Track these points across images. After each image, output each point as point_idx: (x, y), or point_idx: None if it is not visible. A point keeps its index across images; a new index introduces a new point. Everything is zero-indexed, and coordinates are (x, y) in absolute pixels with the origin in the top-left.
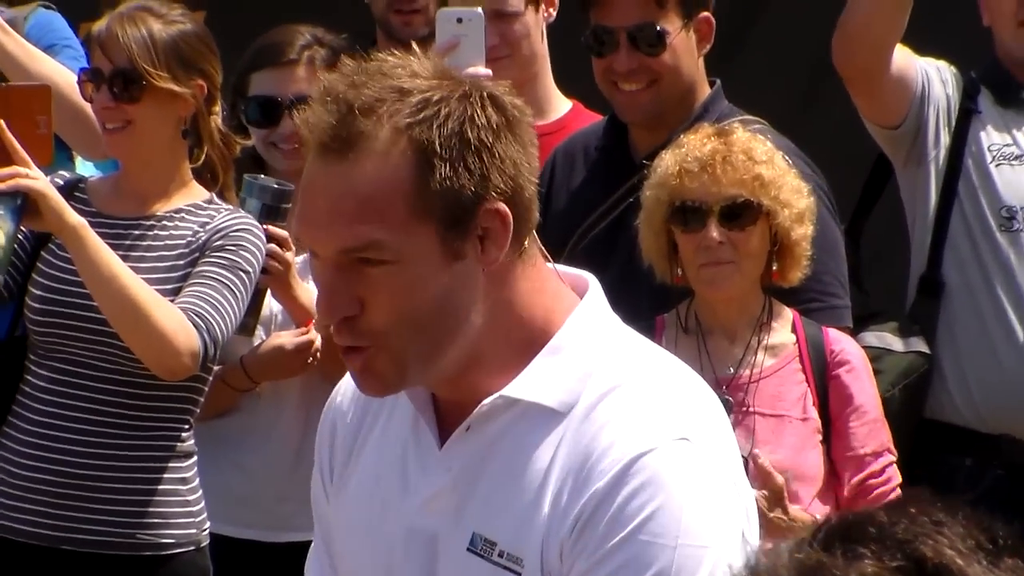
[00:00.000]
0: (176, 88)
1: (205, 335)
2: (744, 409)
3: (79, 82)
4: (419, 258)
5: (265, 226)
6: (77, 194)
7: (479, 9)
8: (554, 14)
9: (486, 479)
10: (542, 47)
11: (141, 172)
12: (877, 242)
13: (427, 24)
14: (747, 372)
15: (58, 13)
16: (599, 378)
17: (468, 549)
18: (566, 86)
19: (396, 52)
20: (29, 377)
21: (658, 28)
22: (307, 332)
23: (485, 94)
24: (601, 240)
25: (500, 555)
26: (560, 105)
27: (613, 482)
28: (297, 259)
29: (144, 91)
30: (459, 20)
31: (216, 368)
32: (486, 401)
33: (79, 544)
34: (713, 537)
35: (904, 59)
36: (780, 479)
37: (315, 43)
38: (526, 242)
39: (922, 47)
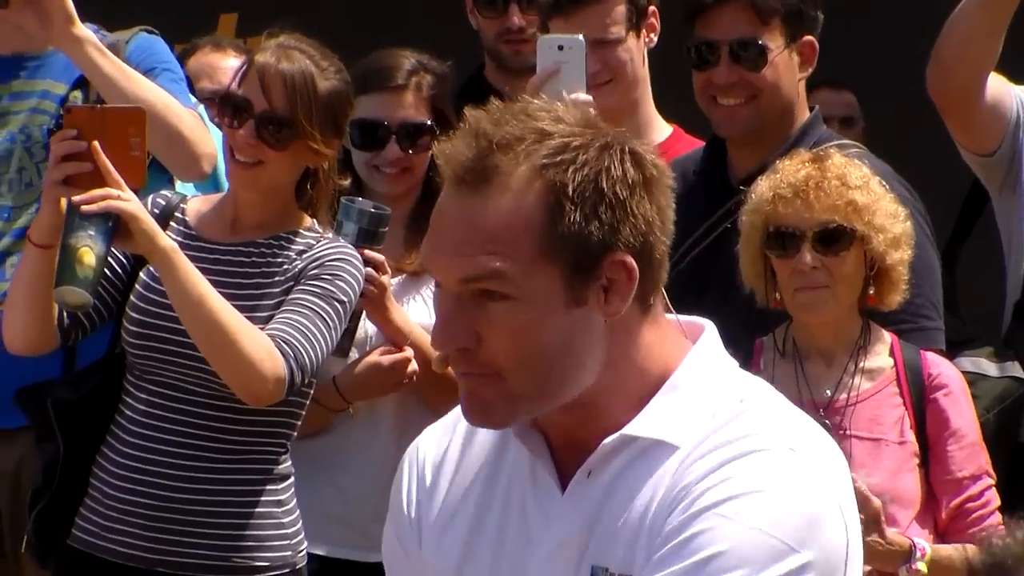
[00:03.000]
0: (322, 149)
1: (292, 362)
2: (841, 432)
3: (220, 103)
4: (540, 298)
5: (362, 249)
6: (177, 214)
7: (580, 36)
8: (655, 39)
9: (605, 516)
10: (643, 72)
11: (249, 202)
12: (973, 268)
13: (535, 53)
14: (844, 395)
15: (159, 38)
16: (717, 412)
17: None
18: (667, 110)
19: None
20: (127, 398)
21: (760, 43)
22: (403, 351)
23: (626, 148)
24: (700, 263)
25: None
26: (661, 130)
27: (706, 472)
28: (392, 281)
29: (292, 142)
30: (560, 47)
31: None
32: (607, 441)
33: (174, 567)
34: (799, 541)
35: (998, 86)
36: (877, 503)
37: (421, 69)
38: (652, 298)
39: (1017, 74)
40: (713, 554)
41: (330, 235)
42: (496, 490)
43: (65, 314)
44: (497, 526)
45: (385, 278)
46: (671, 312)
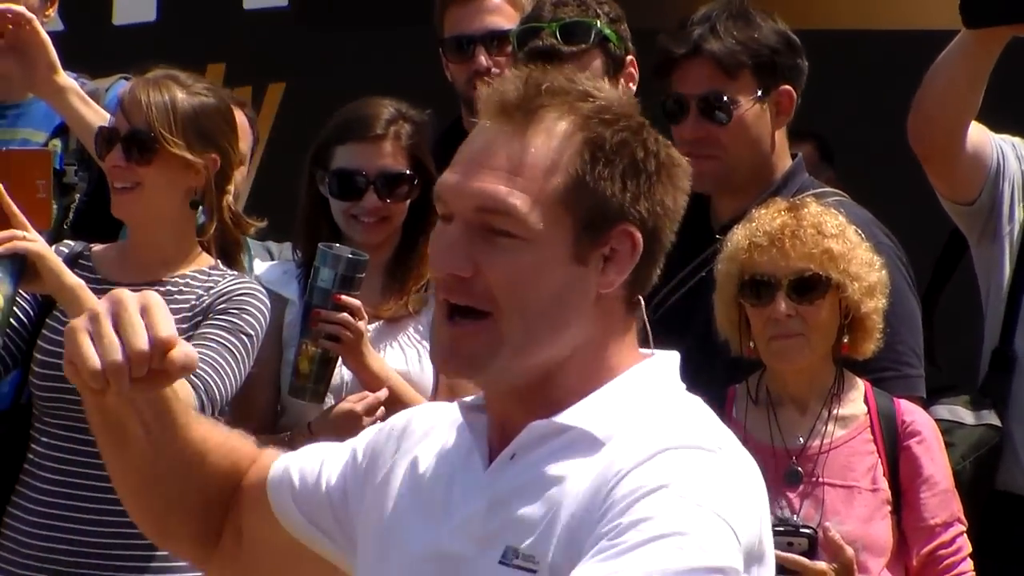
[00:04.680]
0: (189, 157)
1: (203, 395)
2: (813, 480)
3: (95, 139)
4: (547, 244)
5: (338, 295)
6: (82, 261)
7: None
8: (634, 88)
9: (523, 499)
10: None
11: (146, 237)
12: (950, 316)
13: None
14: (817, 443)
15: None
16: (651, 417)
17: (500, 562)
18: None
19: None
20: (35, 446)
21: (726, 98)
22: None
23: (660, 137)
24: (678, 309)
25: (517, 556)
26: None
27: (638, 462)
28: (369, 328)
29: (157, 155)
30: None
31: (284, 435)
32: (535, 423)
33: None
34: (735, 522)
35: (979, 135)
36: (850, 551)
37: (400, 118)
38: (636, 298)
39: (997, 124)
40: (665, 531)
41: (235, 272)
42: (430, 469)
43: None
44: (425, 500)
45: (361, 324)
46: (649, 341)
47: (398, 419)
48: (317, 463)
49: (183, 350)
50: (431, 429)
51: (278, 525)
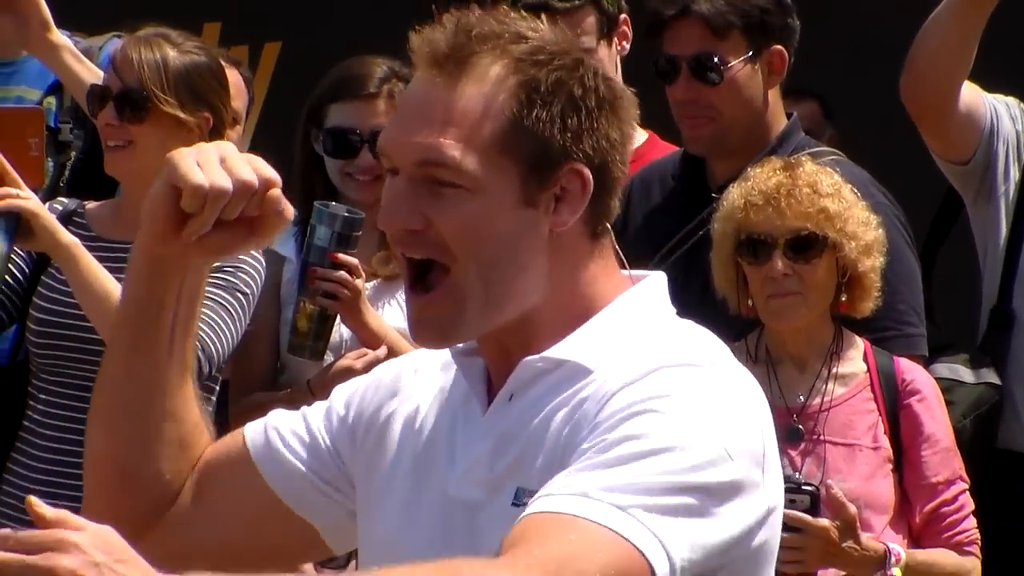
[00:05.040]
0: (181, 115)
1: (200, 353)
2: (815, 438)
3: (87, 97)
4: (493, 191)
5: (335, 253)
6: (76, 219)
7: None
8: (627, 47)
9: (523, 438)
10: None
11: (140, 195)
12: (948, 275)
13: None
14: (817, 401)
15: None
16: (641, 341)
17: (512, 504)
18: (641, 116)
19: (523, 13)
20: (33, 402)
21: (715, 59)
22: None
23: (600, 69)
24: (677, 269)
25: (530, 495)
26: (636, 136)
27: (625, 382)
28: (367, 285)
29: (149, 113)
30: None
31: (284, 392)
32: (527, 360)
33: None
34: (730, 437)
35: (972, 95)
36: (853, 509)
37: (393, 76)
38: (600, 227)
39: (991, 83)
40: (654, 447)
41: None
42: (429, 424)
43: None
44: (429, 453)
45: (359, 282)
46: (624, 266)
47: (385, 371)
48: (299, 421)
49: (283, 198)
50: (424, 377)
51: (253, 492)
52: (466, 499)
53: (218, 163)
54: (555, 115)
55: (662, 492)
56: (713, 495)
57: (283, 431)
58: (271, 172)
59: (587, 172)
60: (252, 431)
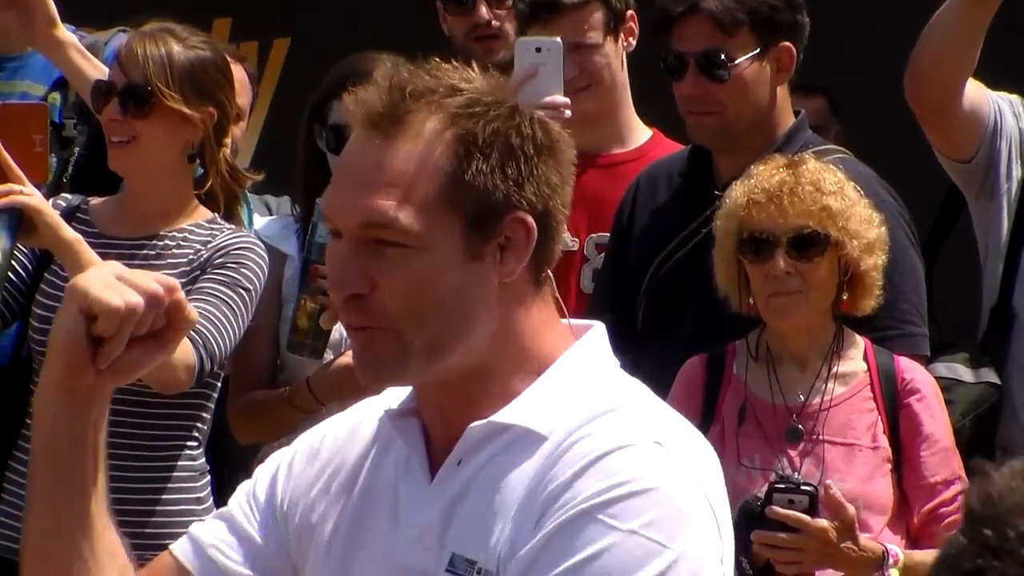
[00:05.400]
0: (186, 111)
1: (202, 350)
2: (814, 438)
3: (91, 92)
4: (438, 248)
5: None
6: (79, 215)
7: (558, 39)
8: (634, 43)
9: (467, 504)
10: (622, 76)
11: (143, 191)
12: (949, 273)
13: (507, 50)
14: (817, 400)
15: None
16: (588, 404)
17: (447, 570)
18: (646, 114)
19: (456, 64)
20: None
21: (723, 55)
22: None
23: (535, 115)
24: (682, 266)
25: (478, 572)
26: (641, 133)
27: (579, 472)
28: None
29: (153, 108)
30: (538, 49)
31: (283, 390)
32: (474, 425)
33: None
34: (670, 538)
35: (976, 93)
36: (851, 509)
37: None
38: (543, 274)
39: (994, 81)
40: (590, 556)
41: (232, 226)
42: (373, 489)
43: None
44: (371, 519)
45: None
46: (564, 313)
47: (309, 439)
48: (224, 528)
49: (186, 302)
50: (354, 442)
51: None
52: (416, 567)
53: (118, 282)
54: (494, 166)
55: None
56: None
57: (219, 546)
58: (170, 279)
59: (530, 220)
60: (185, 553)
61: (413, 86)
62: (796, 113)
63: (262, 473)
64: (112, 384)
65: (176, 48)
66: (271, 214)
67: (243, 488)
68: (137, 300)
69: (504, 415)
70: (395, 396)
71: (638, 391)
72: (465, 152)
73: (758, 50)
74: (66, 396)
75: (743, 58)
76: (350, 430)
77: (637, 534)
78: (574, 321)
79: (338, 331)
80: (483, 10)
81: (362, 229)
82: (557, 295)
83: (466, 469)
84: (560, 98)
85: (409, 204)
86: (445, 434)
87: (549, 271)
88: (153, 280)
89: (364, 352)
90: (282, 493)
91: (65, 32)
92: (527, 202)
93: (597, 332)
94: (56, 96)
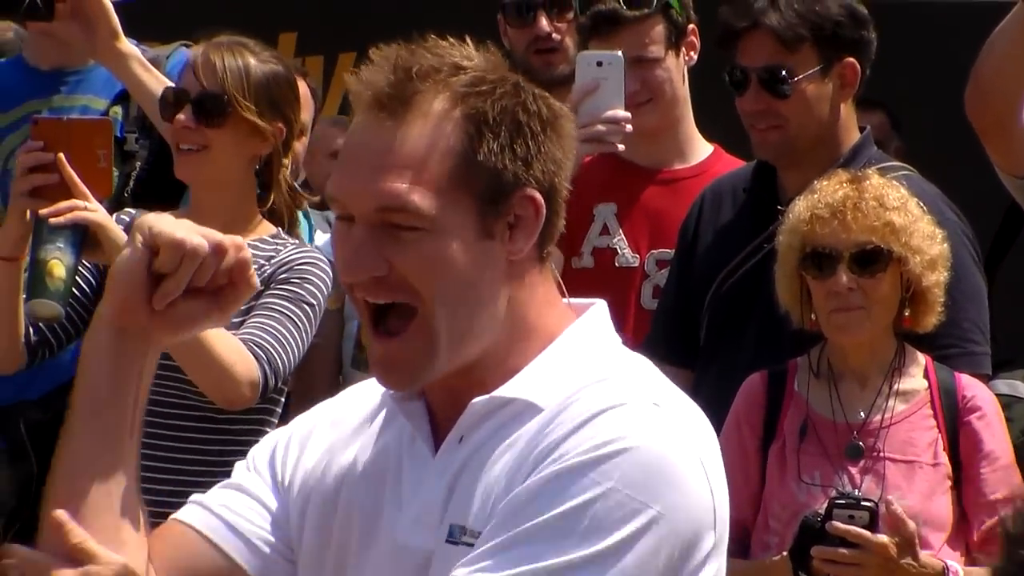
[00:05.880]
0: (260, 123)
1: (266, 365)
2: (875, 454)
3: (160, 100)
4: (453, 229)
5: None
6: None
7: (619, 52)
8: (695, 58)
9: (466, 476)
10: (683, 91)
11: (209, 202)
12: (1009, 291)
13: (567, 63)
14: (878, 417)
15: None
16: (586, 373)
17: (447, 541)
18: (708, 129)
19: (450, 40)
20: None
21: (784, 71)
22: None
23: (535, 89)
24: (746, 282)
25: (465, 533)
26: (702, 148)
27: (573, 429)
28: None
29: (228, 118)
30: (599, 63)
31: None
32: (476, 401)
33: None
34: (658, 500)
35: None
36: (912, 525)
37: None
38: (547, 251)
39: None
40: (574, 507)
41: (296, 241)
42: (372, 469)
43: (32, 332)
44: (374, 497)
45: None
46: (563, 293)
47: (298, 427)
48: (243, 496)
49: (251, 266)
50: (345, 428)
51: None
52: (418, 546)
53: (185, 225)
54: (504, 144)
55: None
56: None
57: (236, 509)
58: (237, 238)
59: (539, 197)
60: (202, 522)
61: (418, 65)
62: (861, 129)
63: (259, 451)
64: (164, 335)
65: (252, 61)
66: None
67: (241, 466)
68: (201, 242)
69: (505, 390)
70: None
71: (637, 362)
72: (476, 131)
73: (821, 66)
74: (117, 335)
75: (805, 74)
76: (349, 411)
77: (620, 491)
78: (574, 300)
79: None
80: (544, 23)
81: (377, 212)
82: (557, 277)
83: (467, 444)
84: (621, 112)
85: (422, 186)
86: (451, 413)
87: (552, 246)
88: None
89: (390, 359)
90: (282, 469)
91: (127, 45)
92: (535, 179)
93: (599, 309)
94: (118, 110)
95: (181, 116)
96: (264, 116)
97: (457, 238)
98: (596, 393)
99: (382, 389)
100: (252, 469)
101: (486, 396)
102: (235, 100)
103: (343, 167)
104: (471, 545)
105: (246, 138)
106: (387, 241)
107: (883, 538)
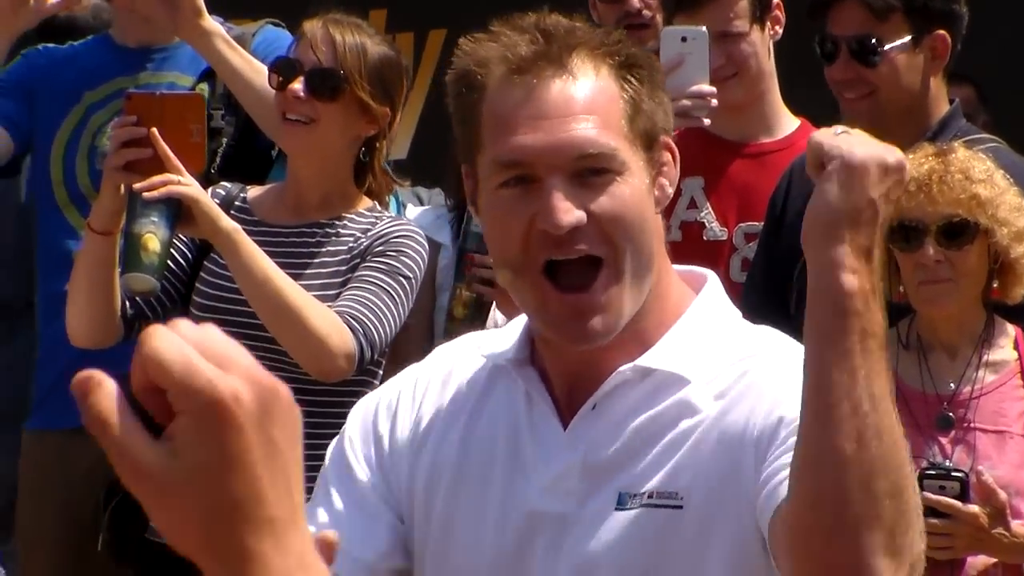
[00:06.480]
0: (372, 104)
1: (362, 338)
2: (965, 425)
3: (270, 68)
4: (636, 172)
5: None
6: (238, 204)
7: (703, 28)
8: (780, 32)
9: (622, 446)
10: (769, 65)
11: (308, 175)
12: None
13: (656, 40)
14: (968, 388)
15: (286, 31)
16: (729, 351)
17: (617, 508)
18: (795, 103)
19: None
20: None
21: (874, 41)
22: None
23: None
24: None
25: (651, 496)
26: (788, 123)
27: (778, 390)
28: None
29: (341, 95)
30: (683, 39)
31: None
32: (622, 368)
33: None
34: None
35: None
36: (1003, 495)
37: None
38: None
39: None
40: None
41: (392, 214)
42: (484, 439)
43: (128, 305)
44: (494, 468)
45: None
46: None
47: (387, 392)
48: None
49: None
50: (449, 388)
51: None
52: (555, 511)
53: None
54: (649, 91)
55: None
56: None
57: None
58: None
59: (672, 144)
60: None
61: (556, 27)
62: (951, 102)
63: (353, 429)
64: None
65: (368, 42)
66: (423, 205)
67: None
68: None
69: (649, 359)
70: (486, 345)
71: (770, 333)
72: (633, 76)
73: (911, 37)
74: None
75: (895, 43)
76: (441, 382)
77: None
78: (677, 266)
79: (492, 320)
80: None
81: (576, 161)
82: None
83: (604, 413)
84: (706, 87)
85: (612, 131)
86: (571, 381)
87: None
88: None
89: (585, 313)
90: (378, 447)
91: (211, 22)
92: (668, 126)
93: (716, 283)
94: (203, 87)
95: (292, 86)
96: (376, 98)
97: (639, 181)
98: (766, 357)
99: (475, 353)
100: (353, 456)
101: (630, 364)
102: (352, 78)
103: (525, 130)
104: (661, 506)
105: (355, 117)
106: (583, 190)
107: (974, 508)
